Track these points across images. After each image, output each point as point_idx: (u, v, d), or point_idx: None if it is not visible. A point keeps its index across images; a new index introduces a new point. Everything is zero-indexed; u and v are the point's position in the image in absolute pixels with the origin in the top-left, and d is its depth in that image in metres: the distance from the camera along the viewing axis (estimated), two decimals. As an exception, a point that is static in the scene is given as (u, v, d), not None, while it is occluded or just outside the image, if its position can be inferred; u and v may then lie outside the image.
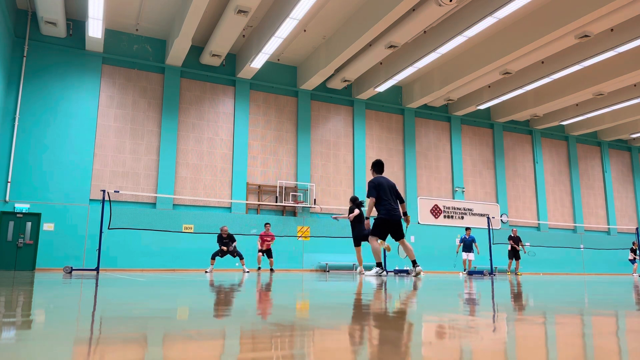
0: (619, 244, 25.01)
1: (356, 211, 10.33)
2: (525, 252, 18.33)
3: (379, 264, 8.18)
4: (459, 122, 23.30)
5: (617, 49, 16.37)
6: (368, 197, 8.03)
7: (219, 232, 14.30)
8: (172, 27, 16.81)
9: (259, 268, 15.40)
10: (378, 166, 8.33)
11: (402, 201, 8.24)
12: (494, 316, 1.89)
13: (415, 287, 4.51)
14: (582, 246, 23.70)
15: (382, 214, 7.91)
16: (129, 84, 17.40)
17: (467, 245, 17.17)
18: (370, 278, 7.49)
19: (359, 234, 10.23)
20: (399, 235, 8.02)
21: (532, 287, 5.09)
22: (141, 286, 4.13)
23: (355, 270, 12.23)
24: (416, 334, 1.39)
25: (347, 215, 10.66)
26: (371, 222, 8.27)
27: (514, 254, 17.91)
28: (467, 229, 17.28)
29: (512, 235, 18.07)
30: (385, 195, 7.97)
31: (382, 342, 1.21)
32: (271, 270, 15.14)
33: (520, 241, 18.02)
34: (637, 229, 19.11)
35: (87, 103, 16.57)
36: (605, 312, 2.12)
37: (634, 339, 1.30)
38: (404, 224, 8.14)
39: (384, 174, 8.46)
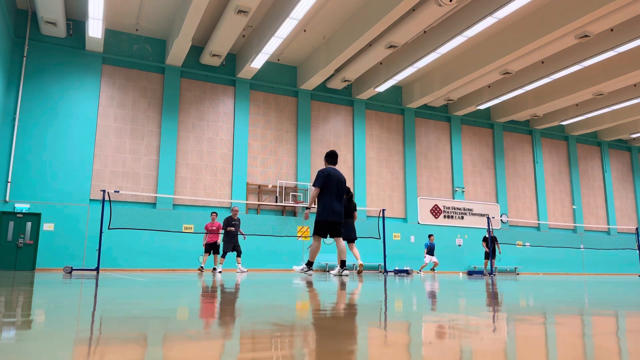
0: (619, 244, 25.02)
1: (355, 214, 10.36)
2: (500, 252, 18.55)
3: (310, 263, 8.11)
4: (459, 122, 23.30)
5: (617, 49, 16.38)
6: (313, 186, 7.88)
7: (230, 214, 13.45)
8: (172, 27, 16.81)
9: (202, 268, 13.62)
10: (331, 157, 8.12)
11: (350, 199, 8.09)
12: (493, 316, 1.89)
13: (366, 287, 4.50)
14: (582, 246, 23.71)
15: (322, 216, 7.77)
16: (129, 84, 17.40)
17: (431, 249, 18.55)
18: (298, 273, 7.52)
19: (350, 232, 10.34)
20: (335, 233, 7.93)
21: (532, 287, 5.09)
22: (141, 286, 4.13)
23: (355, 269, 12.20)
24: (415, 333, 1.39)
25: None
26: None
27: (491, 254, 17.88)
28: (430, 235, 18.62)
29: (487, 236, 18.01)
30: (329, 190, 7.78)
31: (381, 342, 1.21)
32: (213, 269, 13.17)
33: (497, 241, 18.08)
34: (637, 229, 19.11)
35: (87, 103, 16.57)
36: (605, 312, 2.12)
37: (634, 339, 1.30)
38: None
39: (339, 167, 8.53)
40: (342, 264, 8.12)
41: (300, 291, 3.62)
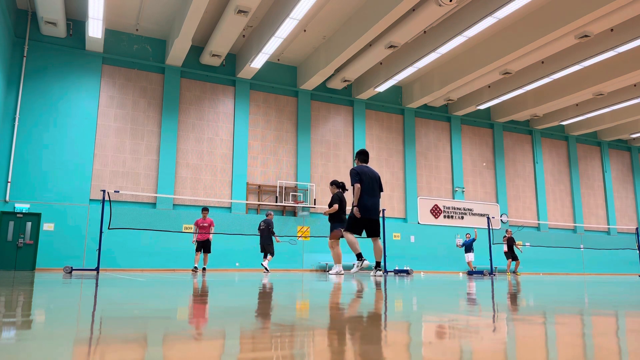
0: (619, 244, 25.02)
1: (335, 207, 9.50)
2: (521, 252, 19.03)
3: (359, 256, 7.90)
4: (459, 122, 23.31)
5: (617, 49, 16.38)
6: (352, 184, 7.72)
7: (265, 219, 13.97)
8: (172, 27, 16.81)
9: (195, 268, 13.07)
10: (362, 154, 8.02)
11: (381, 191, 7.93)
12: (494, 316, 1.89)
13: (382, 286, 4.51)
14: (582, 246, 23.71)
15: (358, 212, 7.62)
16: (129, 84, 17.40)
17: (468, 246, 18.94)
18: (356, 272, 7.33)
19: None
20: (372, 232, 7.76)
21: (532, 287, 5.09)
22: (141, 286, 4.14)
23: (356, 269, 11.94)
24: (415, 333, 1.39)
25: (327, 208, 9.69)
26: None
27: (511, 255, 18.10)
28: (467, 234, 19.47)
29: (507, 236, 18.33)
30: (365, 187, 7.66)
31: (382, 342, 1.21)
32: (203, 269, 13.07)
33: (514, 241, 18.36)
34: (637, 229, 19.11)
35: (87, 103, 16.58)
36: (605, 312, 2.12)
37: (634, 339, 1.30)
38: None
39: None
40: (378, 265, 8.02)
41: (309, 291, 3.62)
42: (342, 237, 9.19)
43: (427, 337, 1.30)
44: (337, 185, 9.58)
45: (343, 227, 9.21)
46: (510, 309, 2.27)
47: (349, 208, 8.87)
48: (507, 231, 18.56)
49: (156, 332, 1.32)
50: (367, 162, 8.06)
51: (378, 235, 7.79)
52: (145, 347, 1.08)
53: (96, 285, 4.20)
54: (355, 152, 8.10)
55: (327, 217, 9.59)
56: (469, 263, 18.97)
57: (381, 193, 8.05)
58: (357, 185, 7.62)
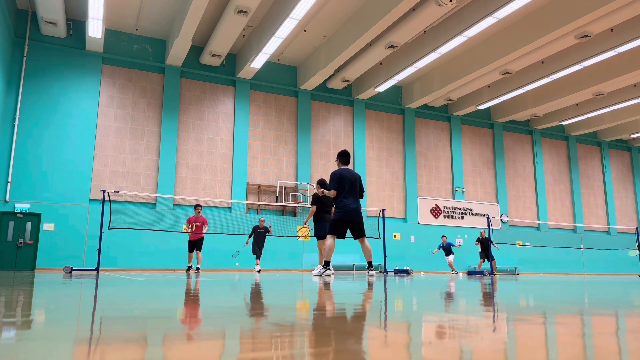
0: (619, 244, 25.02)
1: (313, 209, 9.87)
2: (497, 248, 18.96)
3: (326, 263, 8.00)
4: (459, 122, 23.30)
5: (617, 49, 16.38)
6: (328, 189, 7.86)
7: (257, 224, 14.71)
8: (172, 27, 16.81)
9: (189, 268, 13.04)
10: (343, 156, 8.02)
11: (361, 196, 7.97)
12: (493, 316, 1.89)
13: (370, 285, 4.51)
14: (582, 246, 23.71)
15: (336, 214, 7.73)
16: (129, 84, 17.40)
17: (447, 249, 18.81)
18: (316, 278, 7.34)
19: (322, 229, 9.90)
20: (357, 233, 7.81)
21: (532, 287, 5.09)
22: (141, 286, 4.14)
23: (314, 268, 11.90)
24: (415, 333, 1.39)
25: (310, 212, 10.03)
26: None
27: (485, 255, 17.90)
28: (443, 236, 19.05)
29: (481, 237, 18.09)
30: (344, 190, 7.71)
31: (382, 342, 1.21)
32: (197, 269, 12.77)
33: (491, 241, 18.15)
34: (637, 229, 19.10)
35: (87, 103, 16.58)
36: (605, 312, 2.12)
37: (634, 339, 1.30)
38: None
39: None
40: (369, 265, 8.07)
41: (308, 291, 3.61)
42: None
43: (426, 337, 1.30)
44: (320, 184, 9.72)
45: (325, 226, 9.61)
46: (510, 308, 2.27)
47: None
48: (481, 232, 18.38)
49: (156, 332, 1.32)
50: (348, 163, 8.06)
51: (363, 235, 7.85)
52: (145, 347, 1.08)
53: (96, 286, 4.20)
54: (337, 153, 8.11)
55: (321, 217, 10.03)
56: (450, 264, 18.69)
57: (364, 194, 8.07)
58: (332, 192, 7.75)
